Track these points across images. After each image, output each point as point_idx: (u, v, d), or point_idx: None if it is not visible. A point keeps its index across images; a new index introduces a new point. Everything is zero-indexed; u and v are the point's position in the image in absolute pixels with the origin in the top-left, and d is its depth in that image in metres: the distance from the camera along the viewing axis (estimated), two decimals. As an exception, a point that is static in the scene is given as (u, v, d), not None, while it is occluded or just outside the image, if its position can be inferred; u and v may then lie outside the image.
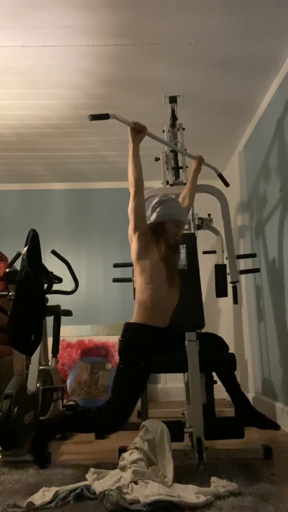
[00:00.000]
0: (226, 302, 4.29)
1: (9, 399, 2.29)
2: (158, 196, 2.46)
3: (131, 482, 1.70)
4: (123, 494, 1.60)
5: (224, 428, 2.27)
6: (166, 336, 2.26)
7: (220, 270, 3.12)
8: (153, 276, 2.26)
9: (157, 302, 2.26)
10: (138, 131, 2.31)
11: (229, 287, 3.06)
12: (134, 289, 2.90)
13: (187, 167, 3.23)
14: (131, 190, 2.29)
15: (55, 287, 2.77)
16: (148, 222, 2.40)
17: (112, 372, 4.14)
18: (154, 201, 2.43)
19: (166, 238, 2.34)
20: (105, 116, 2.16)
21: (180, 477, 1.85)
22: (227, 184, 3.14)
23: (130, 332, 2.29)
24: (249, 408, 2.33)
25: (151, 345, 2.25)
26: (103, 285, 4.75)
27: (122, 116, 3.44)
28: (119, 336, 2.34)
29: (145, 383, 2.34)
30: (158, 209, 2.38)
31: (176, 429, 2.11)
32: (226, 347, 2.41)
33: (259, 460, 2.15)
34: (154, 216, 2.39)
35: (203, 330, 2.86)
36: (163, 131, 3.22)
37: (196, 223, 3.39)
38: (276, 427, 2.30)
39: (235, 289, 3.03)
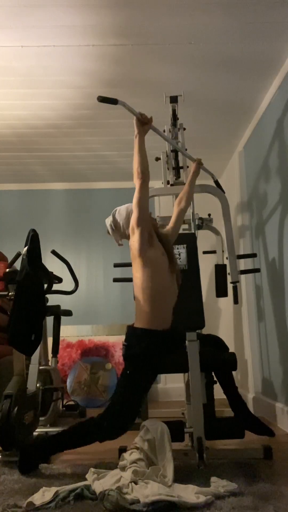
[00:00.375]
0: (226, 302, 4.29)
1: (9, 399, 2.29)
2: (114, 213, 2.46)
3: (131, 482, 1.70)
4: (123, 494, 1.60)
5: (224, 428, 2.28)
6: (170, 340, 2.24)
7: (220, 270, 3.12)
8: (156, 270, 2.23)
9: (159, 300, 2.22)
10: (144, 123, 2.27)
11: (230, 287, 3.07)
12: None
13: (187, 167, 3.22)
14: (137, 183, 2.23)
15: (55, 287, 2.77)
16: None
17: (112, 372, 4.15)
18: (118, 210, 2.46)
19: (156, 230, 2.38)
20: (114, 101, 2.13)
21: (180, 477, 1.85)
22: (223, 191, 3.14)
23: (136, 339, 2.23)
24: (246, 412, 2.31)
25: (157, 352, 2.21)
26: (103, 285, 4.75)
27: (122, 116, 3.44)
28: (123, 341, 2.29)
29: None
30: (127, 216, 2.38)
31: (176, 429, 2.12)
32: (226, 349, 2.40)
33: (259, 460, 2.15)
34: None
35: (203, 330, 2.86)
36: (164, 131, 3.22)
37: (196, 223, 3.39)
38: (271, 434, 2.28)
39: (235, 289, 3.03)
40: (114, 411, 2.14)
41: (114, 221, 2.44)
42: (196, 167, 2.81)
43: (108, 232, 2.49)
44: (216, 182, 3.15)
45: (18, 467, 2.08)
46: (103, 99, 2.11)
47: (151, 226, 2.31)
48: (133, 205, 2.25)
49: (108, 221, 2.47)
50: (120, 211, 2.44)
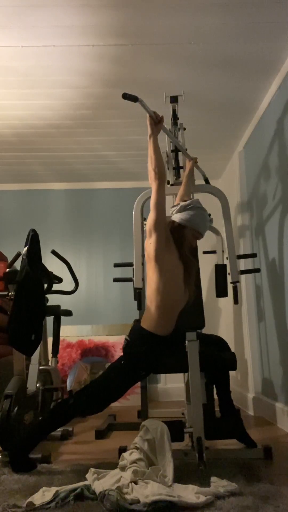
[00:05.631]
0: (226, 302, 4.29)
1: (9, 399, 2.29)
2: (191, 199, 2.41)
3: (131, 482, 1.70)
4: (123, 494, 1.60)
5: (224, 428, 2.27)
6: (171, 341, 2.25)
7: (220, 270, 3.12)
8: (171, 277, 2.21)
9: (170, 308, 2.23)
10: (159, 121, 2.27)
11: (230, 287, 3.06)
12: (135, 289, 2.91)
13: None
14: (155, 183, 2.20)
15: (55, 287, 2.77)
16: (169, 217, 2.36)
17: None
18: (187, 203, 2.35)
19: (181, 243, 2.30)
20: (135, 99, 2.14)
21: (180, 477, 1.85)
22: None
23: (139, 339, 2.25)
24: (233, 417, 2.32)
25: (157, 356, 2.25)
26: (103, 285, 4.75)
27: (122, 116, 3.45)
28: (126, 335, 2.33)
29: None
30: (188, 212, 2.32)
31: (176, 429, 2.11)
32: (227, 349, 2.40)
33: (259, 460, 2.15)
34: (179, 216, 2.33)
35: (203, 331, 2.86)
36: (164, 131, 3.22)
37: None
38: (253, 445, 2.27)
39: (235, 289, 3.03)
40: (94, 389, 2.23)
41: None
42: (192, 165, 2.86)
43: None
44: (206, 181, 3.23)
45: (11, 467, 2.09)
46: (125, 96, 2.12)
47: (166, 225, 2.27)
48: (151, 206, 2.22)
49: None
50: None
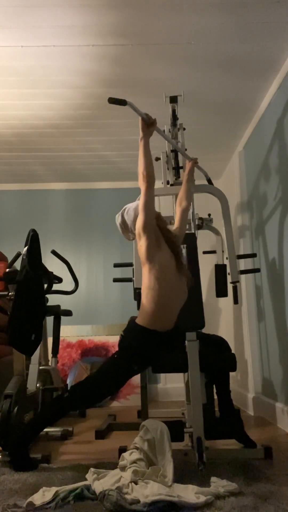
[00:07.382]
0: (226, 302, 4.29)
1: (9, 399, 2.29)
2: (123, 212, 2.46)
3: (131, 482, 1.70)
4: (123, 494, 1.60)
5: (224, 428, 2.27)
6: (169, 338, 2.25)
7: (220, 270, 3.12)
8: (162, 273, 2.21)
9: (163, 302, 2.22)
10: (151, 124, 2.26)
11: (230, 287, 3.07)
12: (135, 289, 2.91)
13: (187, 167, 3.23)
14: (143, 186, 2.21)
15: (55, 287, 2.77)
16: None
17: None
18: (127, 209, 2.42)
19: (163, 229, 2.34)
20: (123, 102, 2.14)
21: (180, 477, 1.85)
22: None
23: (133, 334, 2.26)
24: (233, 417, 2.32)
25: (151, 350, 2.25)
26: (103, 285, 4.75)
27: (122, 116, 3.45)
28: (121, 331, 2.33)
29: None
30: (136, 213, 2.35)
31: (176, 429, 2.11)
32: (228, 350, 2.40)
33: (259, 460, 2.15)
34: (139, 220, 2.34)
35: (203, 331, 2.86)
36: (164, 131, 3.21)
37: (196, 223, 3.39)
38: (252, 445, 2.26)
39: (235, 289, 3.03)
40: (88, 383, 2.27)
41: (123, 220, 2.44)
42: (192, 166, 2.85)
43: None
44: (209, 181, 3.20)
45: (13, 466, 2.09)
46: (112, 101, 2.12)
47: (156, 227, 2.28)
48: (140, 208, 2.23)
49: (118, 219, 2.48)
50: (129, 211, 2.41)
